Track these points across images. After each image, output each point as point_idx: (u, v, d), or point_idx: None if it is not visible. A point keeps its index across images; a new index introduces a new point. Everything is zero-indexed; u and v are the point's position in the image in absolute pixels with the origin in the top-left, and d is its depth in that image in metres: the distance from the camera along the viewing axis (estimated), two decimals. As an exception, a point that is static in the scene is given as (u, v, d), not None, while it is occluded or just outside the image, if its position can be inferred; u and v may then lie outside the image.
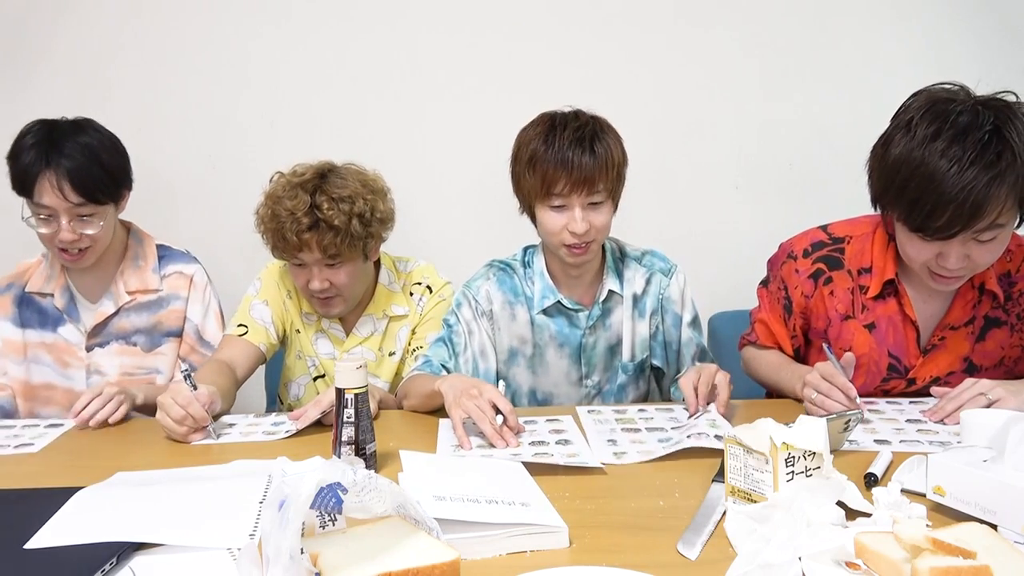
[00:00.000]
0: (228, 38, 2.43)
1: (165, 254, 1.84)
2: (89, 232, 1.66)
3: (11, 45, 2.41)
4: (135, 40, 2.42)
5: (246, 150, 2.45)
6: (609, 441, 1.38)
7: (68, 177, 1.60)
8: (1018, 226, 1.44)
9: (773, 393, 1.74)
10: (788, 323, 1.70)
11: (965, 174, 1.30)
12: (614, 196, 1.60)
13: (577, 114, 1.60)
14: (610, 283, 1.70)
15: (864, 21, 2.51)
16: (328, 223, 1.63)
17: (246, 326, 1.80)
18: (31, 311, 1.78)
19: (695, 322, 1.78)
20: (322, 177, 1.69)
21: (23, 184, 1.63)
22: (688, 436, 1.33)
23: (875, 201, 1.51)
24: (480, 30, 2.45)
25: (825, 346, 1.49)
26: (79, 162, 1.62)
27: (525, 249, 1.77)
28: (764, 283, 1.76)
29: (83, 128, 1.68)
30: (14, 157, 1.64)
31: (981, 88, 1.43)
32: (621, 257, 1.75)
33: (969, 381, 1.45)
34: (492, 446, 1.34)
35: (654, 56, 2.48)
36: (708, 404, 1.47)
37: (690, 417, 1.46)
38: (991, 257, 1.43)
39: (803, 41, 2.50)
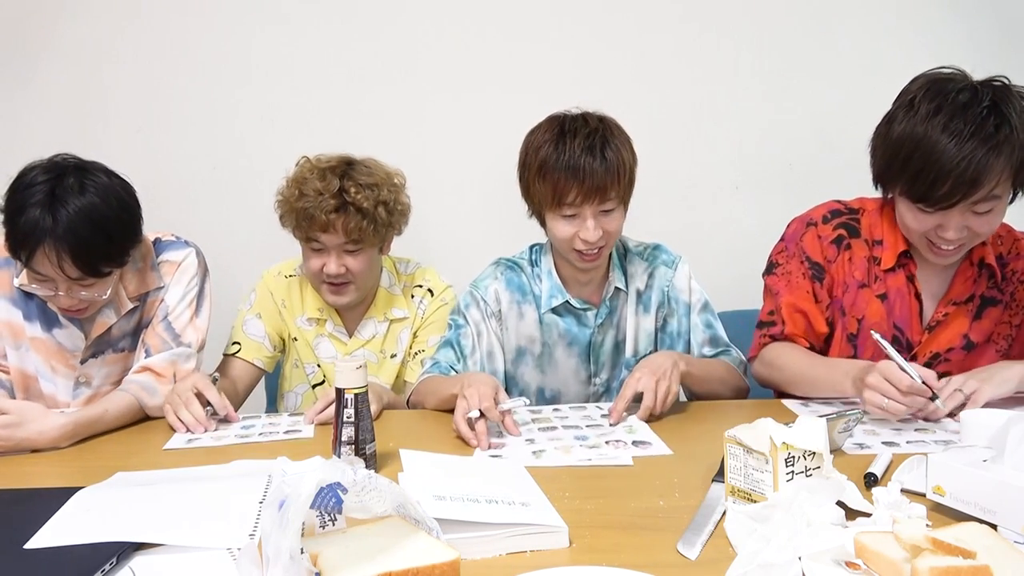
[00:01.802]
0: (228, 38, 2.43)
1: (159, 247, 1.71)
2: (92, 298, 1.53)
3: (11, 45, 2.41)
4: (135, 40, 2.42)
5: (246, 150, 2.45)
6: (527, 440, 1.39)
7: (69, 253, 1.42)
8: (1012, 200, 1.49)
9: (788, 395, 1.65)
10: (819, 293, 1.64)
11: (965, 146, 1.37)
12: (625, 200, 1.60)
13: (586, 119, 1.58)
14: (616, 280, 1.71)
15: (864, 21, 2.51)
16: (356, 206, 1.66)
17: (239, 343, 1.82)
18: (27, 300, 1.63)
19: (706, 307, 1.76)
20: (348, 164, 1.74)
21: (17, 249, 1.45)
22: (607, 443, 1.36)
23: (877, 179, 1.56)
24: (481, 29, 2.45)
25: (879, 337, 1.44)
26: (82, 235, 1.42)
27: (531, 248, 1.77)
28: (770, 271, 1.71)
29: (86, 185, 1.46)
30: (13, 213, 1.44)
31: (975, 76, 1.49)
32: (624, 253, 1.76)
33: (943, 381, 1.45)
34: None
35: (654, 56, 2.49)
36: (629, 415, 1.48)
37: (611, 424, 1.47)
38: (988, 228, 1.48)
39: (803, 42, 2.50)
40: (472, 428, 1.36)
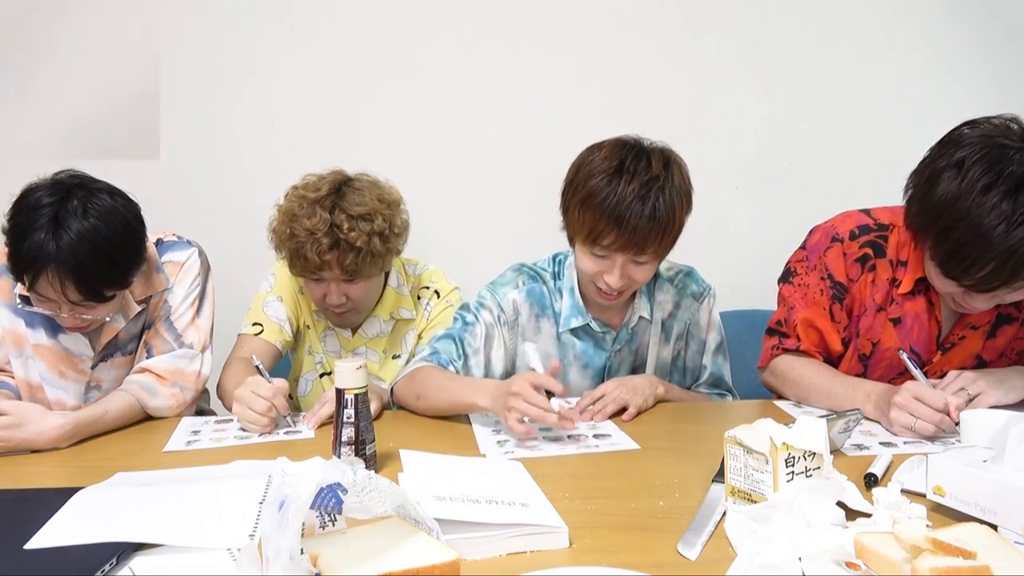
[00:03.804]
0: (228, 38, 2.43)
1: (162, 248, 1.69)
2: (96, 320, 1.53)
3: (12, 45, 2.41)
4: (136, 40, 2.42)
5: (246, 150, 2.45)
6: (494, 431, 1.40)
7: (72, 279, 1.41)
8: None
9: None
10: (837, 314, 1.59)
11: (1013, 233, 1.27)
12: (662, 254, 1.52)
13: (650, 160, 1.45)
14: (641, 308, 1.64)
15: (863, 22, 2.51)
16: (350, 243, 1.61)
17: (261, 325, 1.79)
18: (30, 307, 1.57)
19: (720, 348, 1.73)
20: (338, 193, 1.67)
21: (20, 273, 1.44)
22: (569, 437, 1.38)
23: (911, 228, 1.47)
24: (482, 30, 2.46)
25: (906, 358, 1.44)
26: (84, 262, 1.41)
27: (555, 257, 1.69)
28: (786, 279, 1.65)
29: (88, 209, 1.43)
30: (17, 236, 1.42)
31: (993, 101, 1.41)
32: (654, 279, 1.67)
33: (952, 374, 1.44)
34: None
35: (654, 57, 2.49)
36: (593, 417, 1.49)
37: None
38: (1018, 297, 1.40)
39: (803, 41, 2.51)
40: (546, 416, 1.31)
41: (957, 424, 1.34)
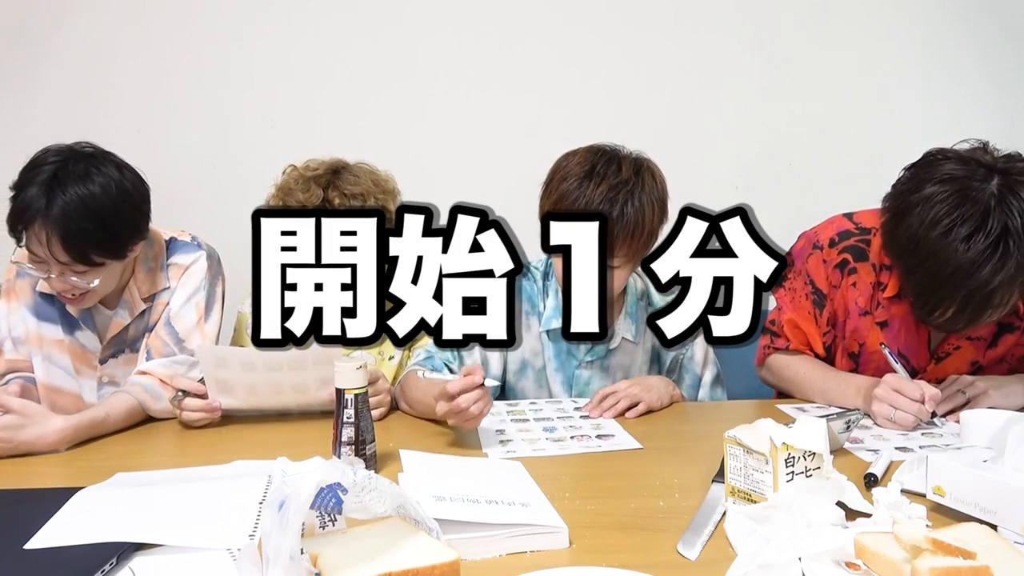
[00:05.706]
0: (229, 38, 2.43)
1: (171, 248, 1.70)
2: (82, 285, 1.50)
3: (13, 44, 2.41)
4: (137, 40, 2.42)
5: (246, 150, 2.45)
6: (497, 431, 1.41)
7: (59, 236, 1.41)
8: None
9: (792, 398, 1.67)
10: (819, 319, 1.62)
11: (971, 279, 1.27)
12: (635, 259, 1.51)
13: (621, 164, 1.48)
14: (624, 330, 1.64)
15: (864, 21, 2.51)
16: None
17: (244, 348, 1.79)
18: (49, 305, 1.62)
19: (716, 380, 1.73)
20: (335, 173, 1.70)
21: (14, 227, 1.45)
22: (572, 437, 1.39)
23: (885, 254, 1.50)
24: (482, 30, 2.45)
25: (887, 351, 1.45)
26: (73, 220, 1.41)
27: (548, 259, 1.69)
28: (779, 282, 1.66)
29: (91, 173, 1.46)
30: (18, 188, 1.45)
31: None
32: (647, 303, 1.69)
33: (951, 378, 1.46)
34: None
35: (654, 57, 2.49)
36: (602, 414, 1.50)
37: (581, 416, 1.51)
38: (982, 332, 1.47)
39: (803, 42, 2.51)
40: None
41: (934, 415, 1.38)
